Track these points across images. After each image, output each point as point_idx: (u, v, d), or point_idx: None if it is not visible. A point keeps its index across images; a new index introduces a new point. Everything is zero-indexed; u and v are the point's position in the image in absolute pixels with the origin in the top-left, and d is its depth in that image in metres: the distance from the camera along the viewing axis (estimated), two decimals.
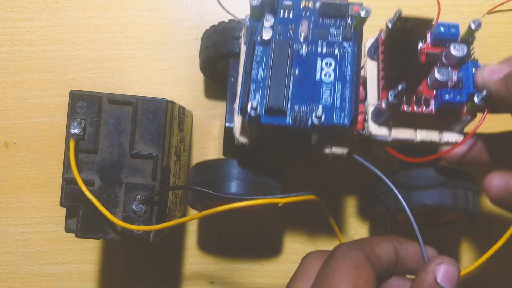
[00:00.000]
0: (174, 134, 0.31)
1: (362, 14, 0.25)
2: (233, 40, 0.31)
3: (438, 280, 0.22)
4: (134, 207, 0.28)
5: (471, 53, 0.26)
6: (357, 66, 0.26)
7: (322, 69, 0.26)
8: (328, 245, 0.38)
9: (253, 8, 0.26)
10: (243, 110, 0.24)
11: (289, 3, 0.27)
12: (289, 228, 0.38)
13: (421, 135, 0.26)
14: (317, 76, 0.26)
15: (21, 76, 0.39)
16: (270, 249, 0.38)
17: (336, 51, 0.26)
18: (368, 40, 0.28)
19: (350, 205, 0.38)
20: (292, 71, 0.26)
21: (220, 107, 0.39)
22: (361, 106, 0.28)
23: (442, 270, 0.23)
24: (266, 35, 0.26)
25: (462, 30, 0.26)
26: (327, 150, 0.27)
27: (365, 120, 0.27)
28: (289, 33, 0.27)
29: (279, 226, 0.38)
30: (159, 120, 0.28)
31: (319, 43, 0.27)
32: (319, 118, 0.24)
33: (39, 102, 0.39)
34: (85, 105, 0.28)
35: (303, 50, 0.26)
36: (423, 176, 0.28)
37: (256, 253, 0.38)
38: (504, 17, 0.40)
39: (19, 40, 0.39)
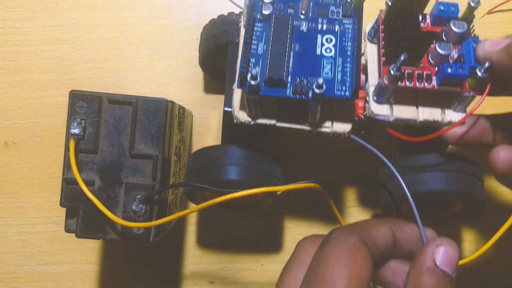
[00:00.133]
0: (174, 134, 0.31)
1: None
2: (232, 31, 0.31)
3: (437, 263, 0.21)
4: (134, 207, 0.28)
5: (471, 30, 0.26)
6: (358, 41, 0.25)
7: (322, 44, 0.26)
8: None
9: None
10: (242, 80, 0.24)
11: None
12: (289, 228, 0.38)
13: (423, 114, 0.26)
14: (318, 51, 0.26)
15: (21, 76, 0.39)
16: (270, 249, 0.38)
17: (337, 28, 0.26)
18: (367, 25, 0.28)
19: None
20: (292, 47, 0.26)
21: (220, 107, 0.39)
22: (362, 92, 0.27)
23: (441, 252, 0.22)
24: (266, 10, 0.26)
25: (461, 11, 0.26)
26: (328, 129, 0.27)
27: (366, 102, 0.27)
28: (289, 10, 0.27)
29: (279, 226, 0.38)
30: (159, 120, 0.28)
31: (319, 20, 0.26)
32: (320, 87, 0.23)
33: (39, 102, 0.39)
34: (85, 105, 0.28)
35: (303, 26, 0.26)
36: (427, 162, 0.28)
37: (256, 253, 0.38)
38: (504, 17, 0.40)
39: (19, 40, 0.39)
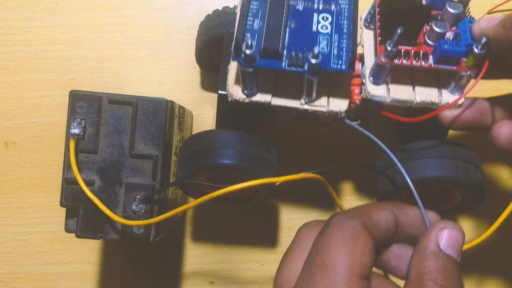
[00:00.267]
0: (174, 134, 0.31)
1: None
2: (227, 23, 0.31)
3: (441, 246, 0.21)
4: (134, 207, 0.28)
5: (467, 12, 0.26)
6: (354, 20, 0.25)
7: (318, 22, 0.26)
8: None
9: None
10: (237, 49, 0.23)
11: None
12: (290, 228, 0.38)
13: (421, 96, 0.26)
14: (314, 28, 0.25)
15: (21, 76, 0.39)
16: (270, 249, 0.38)
17: (333, 7, 0.26)
18: (363, 13, 0.28)
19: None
20: (288, 24, 0.26)
21: None
22: (358, 79, 0.27)
23: (445, 236, 0.21)
24: None
25: None
26: (324, 108, 0.26)
27: (362, 84, 0.27)
28: None
29: (280, 226, 0.38)
30: (159, 120, 0.28)
31: (316, 0, 0.26)
32: (316, 57, 0.23)
33: (39, 102, 0.39)
34: (85, 105, 0.28)
35: (299, 6, 0.26)
36: (426, 149, 0.28)
37: (256, 253, 0.38)
38: None
39: (19, 40, 0.39)
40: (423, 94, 0.26)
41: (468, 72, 0.25)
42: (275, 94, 0.26)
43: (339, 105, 0.26)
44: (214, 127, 0.39)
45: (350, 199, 0.38)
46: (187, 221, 0.39)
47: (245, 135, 0.28)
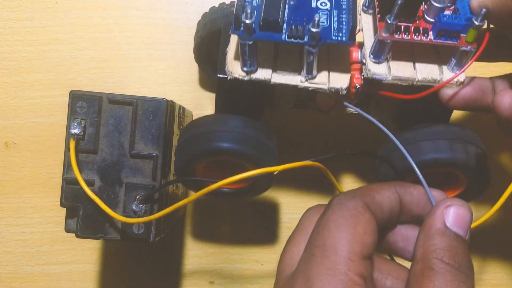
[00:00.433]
0: (174, 134, 0.31)
1: None
2: (223, 17, 0.31)
3: (448, 225, 0.20)
4: (134, 207, 0.28)
5: None
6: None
7: None
8: None
9: None
10: (237, 21, 0.23)
11: None
12: (290, 228, 0.38)
13: (422, 73, 0.26)
14: (313, 4, 0.26)
15: (21, 76, 0.39)
16: (270, 249, 0.38)
17: None
18: (361, 1, 0.29)
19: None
20: (287, 1, 0.26)
21: None
22: (357, 65, 0.27)
23: (451, 213, 0.20)
24: None
25: None
26: (325, 86, 0.26)
27: (362, 64, 0.27)
28: None
29: (280, 226, 0.38)
30: (159, 120, 0.28)
31: None
32: (317, 26, 0.23)
33: (39, 102, 0.39)
34: (85, 105, 0.28)
35: None
36: (428, 131, 0.27)
37: (256, 253, 0.38)
38: None
39: (19, 40, 0.39)
40: (425, 72, 0.26)
41: (469, 47, 0.25)
42: (275, 72, 0.26)
43: (340, 81, 0.26)
44: None
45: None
46: (187, 221, 0.39)
47: (246, 120, 0.28)
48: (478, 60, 0.25)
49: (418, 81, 0.26)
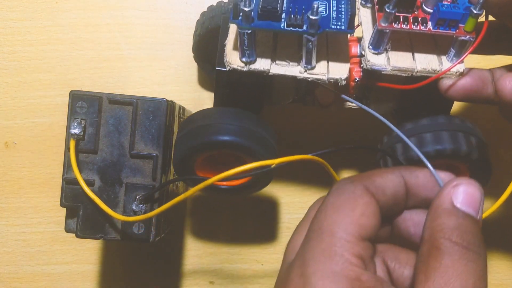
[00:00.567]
0: (174, 134, 0.31)
1: None
2: (221, 15, 0.31)
3: (458, 204, 0.19)
4: (134, 207, 0.28)
5: None
6: None
7: None
8: None
9: None
10: (235, 8, 0.23)
11: None
12: (290, 228, 0.38)
13: (421, 64, 0.26)
14: None
15: (21, 76, 0.39)
16: (270, 249, 0.38)
17: None
18: None
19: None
20: None
21: None
22: (356, 59, 0.27)
23: (460, 192, 0.19)
24: None
25: None
26: (324, 76, 0.26)
27: (361, 56, 0.27)
28: None
29: (280, 226, 0.38)
30: (159, 120, 0.28)
31: None
32: (316, 13, 0.23)
33: (39, 102, 0.39)
34: (85, 105, 0.28)
35: None
36: (429, 123, 0.27)
37: (256, 253, 0.38)
38: None
39: (19, 40, 0.39)
40: (424, 62, 0.26)
41: (467, 36, 0.25)
42: (274, 62, 0.26)
43: (339, 71, 0.26)
44: None
45: None
46: (187, 221, 0.39)
47: (245, 113, 0.27)
48: (477, 53, 0.25)
49: (417, 71, 0.26)
